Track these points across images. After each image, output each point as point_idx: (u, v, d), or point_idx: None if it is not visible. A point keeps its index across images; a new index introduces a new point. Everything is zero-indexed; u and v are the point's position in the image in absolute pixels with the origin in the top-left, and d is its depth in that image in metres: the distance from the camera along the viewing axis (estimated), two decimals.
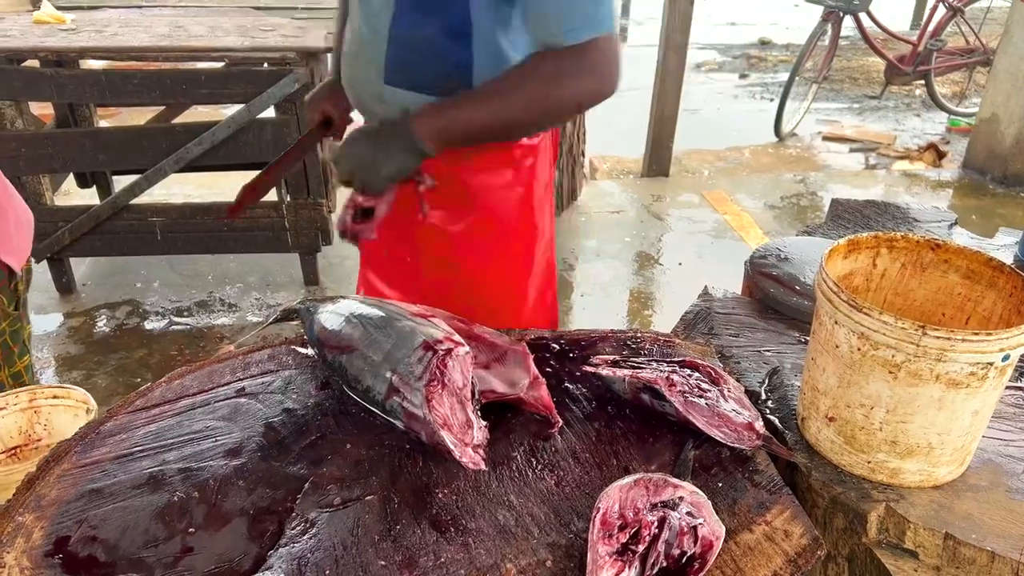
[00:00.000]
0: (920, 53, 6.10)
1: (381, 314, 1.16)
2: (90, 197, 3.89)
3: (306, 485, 1.02)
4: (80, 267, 3.76)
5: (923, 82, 6.38)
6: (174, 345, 3.26)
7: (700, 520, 0.93)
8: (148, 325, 3.41)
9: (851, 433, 1.06)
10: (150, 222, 3.37)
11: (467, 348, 1.09)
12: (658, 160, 5.04)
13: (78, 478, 1.03)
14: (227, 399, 1.18)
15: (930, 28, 6.10)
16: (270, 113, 3.24)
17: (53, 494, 1.00)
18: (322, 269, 3.71)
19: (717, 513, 0.96)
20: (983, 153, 5.15)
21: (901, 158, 5.59)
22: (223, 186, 4.36)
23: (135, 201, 3.36)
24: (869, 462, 1.06)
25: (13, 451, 1.42)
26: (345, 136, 1.38)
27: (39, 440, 1.42)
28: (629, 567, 0.87)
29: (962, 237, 1.82)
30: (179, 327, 3.39)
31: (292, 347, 1.31)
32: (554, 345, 1.33)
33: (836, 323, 1.03)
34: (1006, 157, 4.97)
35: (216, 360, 1.28)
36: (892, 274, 1.19)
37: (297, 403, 1.17)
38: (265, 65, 3.22)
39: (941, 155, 5.51)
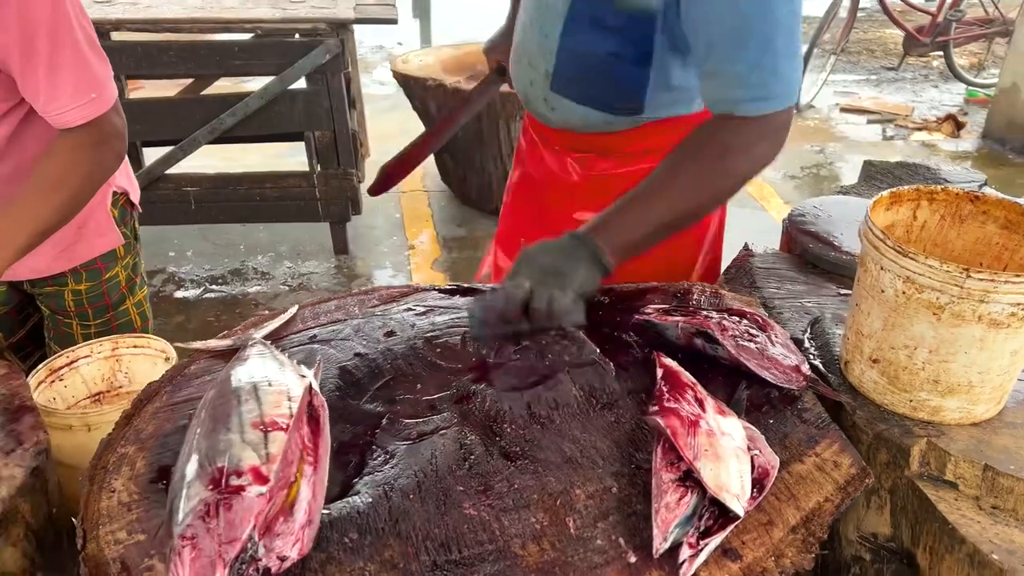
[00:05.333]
0: (939, 24, 6.08)
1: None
2: None
3: (383, 420, 1.09)
4: None
5: (941, 53, 6.37)
6: (211, 312, 3.34)
7: (756, 451, 1.00)
8: (184, 293, 3.49)
9: (894, 373, 1.12)
10: (184, 192, 3.44)
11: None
12: None
13: (171, 414, 1.10)
14: (301, 345, 1.25)
15: None
16: (301, 84, 3.30)
17: (150, 428, 1.08)
18: (351, 238, 3.78)
19: (770, 446, 1.02)
20: (1003, 123, 5.16)
21: (919, 129, 5.60)
22: (249, 159, 4.42)
23: (169, 171, 3.43)
24: (911, 401, 1.12)
25: (97, 397, 1.49)
26: (520, 253, 1.21)
27: (120, 387, 1.50)
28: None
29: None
30: (214, 295, 3.48)
31: (360, 297, 1.38)
32: (603, 298, 1.39)
33: (882, 268, 1.08)
34: None
35: (283, 311, 1.35)
36: (931, 226, 1.24)
37: (367, 348, 1.24)
38: (296, 36, 3.27)
39: (960, 126, 5.52)
